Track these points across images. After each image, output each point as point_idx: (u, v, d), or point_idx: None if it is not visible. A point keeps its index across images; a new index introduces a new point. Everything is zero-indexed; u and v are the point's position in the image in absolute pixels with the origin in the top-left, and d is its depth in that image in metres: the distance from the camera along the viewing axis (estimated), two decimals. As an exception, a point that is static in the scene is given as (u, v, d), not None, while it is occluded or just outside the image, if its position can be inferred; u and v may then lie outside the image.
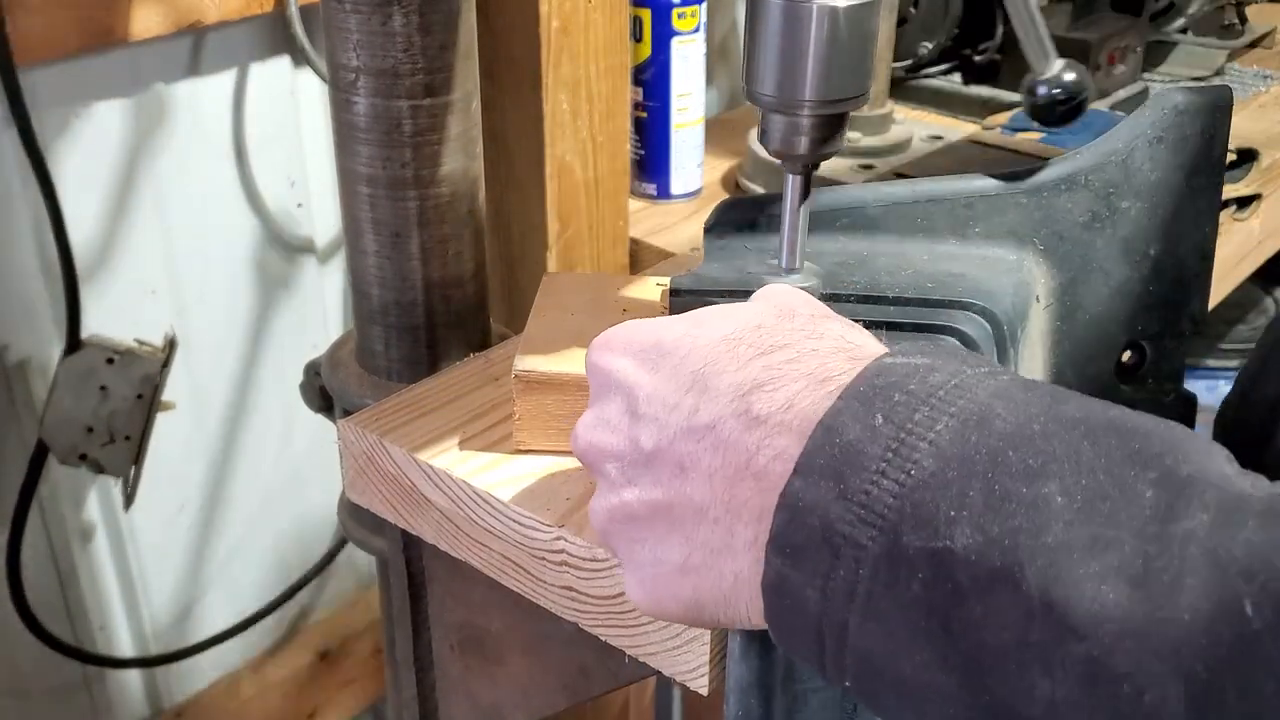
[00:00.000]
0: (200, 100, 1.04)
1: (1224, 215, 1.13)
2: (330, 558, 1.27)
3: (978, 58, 1.47)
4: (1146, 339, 0.65)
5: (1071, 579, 0.33)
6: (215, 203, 1.08)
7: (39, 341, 1.00)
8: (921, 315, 0.59)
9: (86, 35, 0.92)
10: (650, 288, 0.71)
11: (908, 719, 0.38)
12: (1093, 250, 0.62)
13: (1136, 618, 0.32)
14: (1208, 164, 0.62)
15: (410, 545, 0.73)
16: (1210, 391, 1.58)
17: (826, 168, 0.94)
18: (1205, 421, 0.61)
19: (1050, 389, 0.39)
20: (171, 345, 0.99)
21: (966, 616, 0.35)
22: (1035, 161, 0.62)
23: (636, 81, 1.14)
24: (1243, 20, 1.63)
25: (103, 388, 0.97)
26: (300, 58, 1.07)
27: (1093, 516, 0.33)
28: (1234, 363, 1.69)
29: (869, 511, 0.37)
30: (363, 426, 0.65)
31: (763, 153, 0.93)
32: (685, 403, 0.43)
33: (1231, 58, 1.57)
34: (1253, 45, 1.64)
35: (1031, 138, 1.22)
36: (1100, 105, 1.39)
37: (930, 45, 1.45)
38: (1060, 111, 0.67)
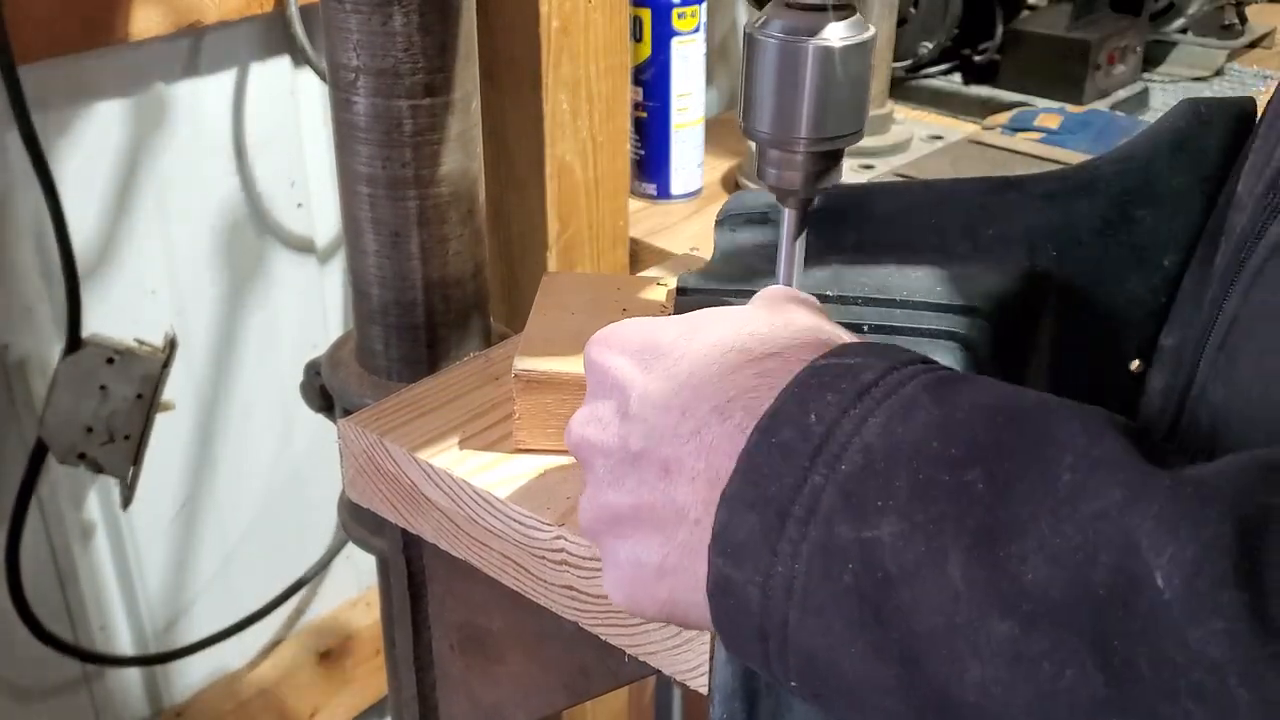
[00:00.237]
0: (200, 100, 1.04)
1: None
2: (330, 558, 1.27)
3: (978, 58, 1.47)
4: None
5: (993, 560, 0.34)
6: (215, 203, 1.08)
7: (39, 341, 1.00)
8: (928, 320, 0.58)
9: (87, 35, 0.92)
10: (651, 287, 0.71)
11: (851, 717, 0.39)
12: (1106, 258, 0.62)
13: (1053, 595, 0.32)
14: (1228, 174, 0.61)
15: (410, 545, 0.73)
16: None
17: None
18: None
19: (978, 380, 0.40)
20: (172, 345, 0.99)
21: (897, 604, 0.35)
22: (1040, 164, 0.62)
23: (636, 81, 1.14)
24: (1243, 20, 1.63)
25: (102, 387, 0.97)
26: (300, 58, 1.07)
27: (1012, 499, 0.34)
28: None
29: (802, 507, 0.38)
30: (363, 426, 0.65)
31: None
32: (674, 406, 0.43)
33: (1231, 58, 1.57)
34: (1253, 45, 1.64)
35: (1031, 138, 1.22)
36: (1100, 105, 1.39)
37: (930, 45, 1.46)
38: None
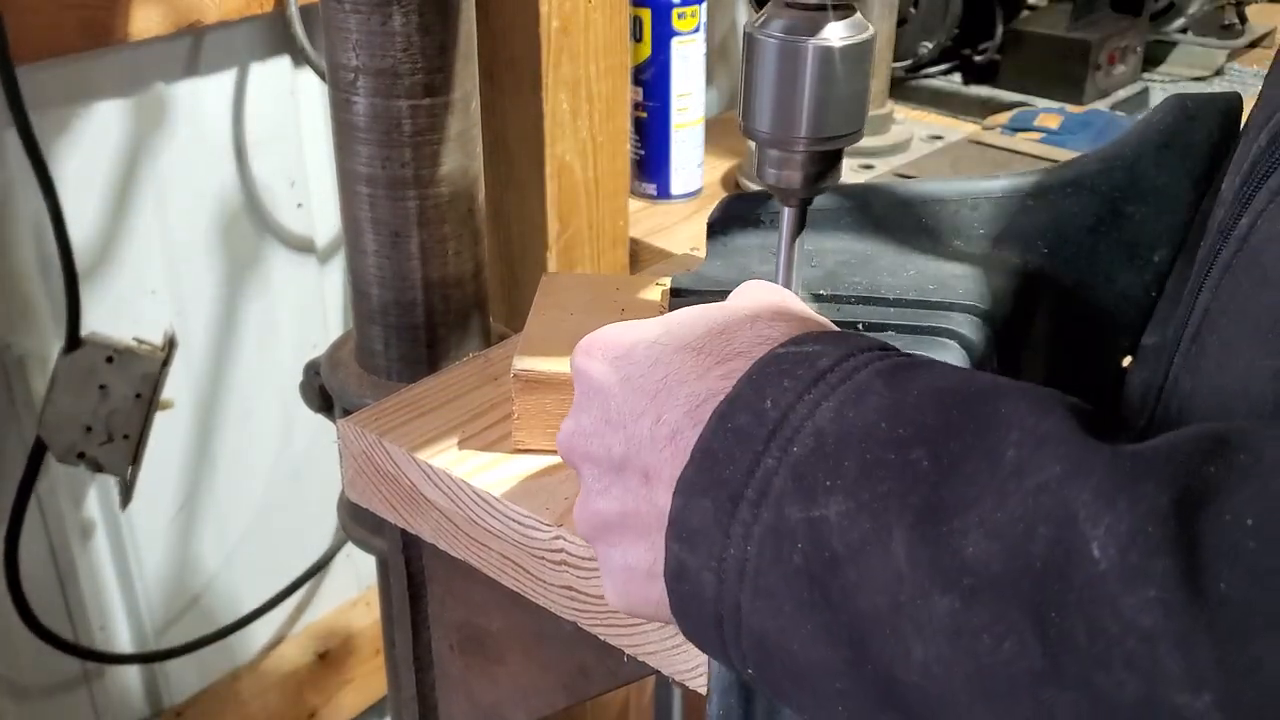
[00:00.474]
0: (200, 100, 1.04)
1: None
2: (330, 558, 1.27)
3: (978, 58, 1.47)
4: (1148, 343, 0.65)
5: (935, 536, 0.34)
6: (215, 203, 1.08)
7: (39, 340, 1.00)
8: (920, 317, 0.59)
9: (87, 35, 0.92)
10: (649, 287, 0.71)
11: (805, 702, 0.39)
12: (1097, 254, 0.62)
13: (993, 569, 0.32)
14: (1216, 170, 0.61)
15: (410, 545, 0.73)
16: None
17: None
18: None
19: (933, 365, 0.40)
20: (171, 344, 0.99)
21: (844, 583, 0.35)
22: (1041, 164, 0.62)
23: (636, 81, 1.14)
24: (1243, 20, 1.63)
25: (102, 386, 0.97)
26: (300, 58, 1.07)
27: (957, 477, 0.34)
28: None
29: (755, 490, 0.38)
30: (362, 426, 0.65)
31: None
32: (650, 411, 0.44)
33: (1231, 58, 1.57)
34: (1253, 45, 1.64)
35: (1031, 138, 1.22)
36: (1100, 105, 1.39)
37: (930, 45, 1.45)
38: None
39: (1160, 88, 1.51)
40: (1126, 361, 0.64)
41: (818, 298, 0.60)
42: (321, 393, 0.86)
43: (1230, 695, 0.28)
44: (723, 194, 1.22)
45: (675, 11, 1.11)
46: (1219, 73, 1.54)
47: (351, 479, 0.68)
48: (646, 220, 1.16)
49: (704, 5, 1.14)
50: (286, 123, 1.11)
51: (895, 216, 0.63)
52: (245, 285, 1.13)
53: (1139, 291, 0.61)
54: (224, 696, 1.26)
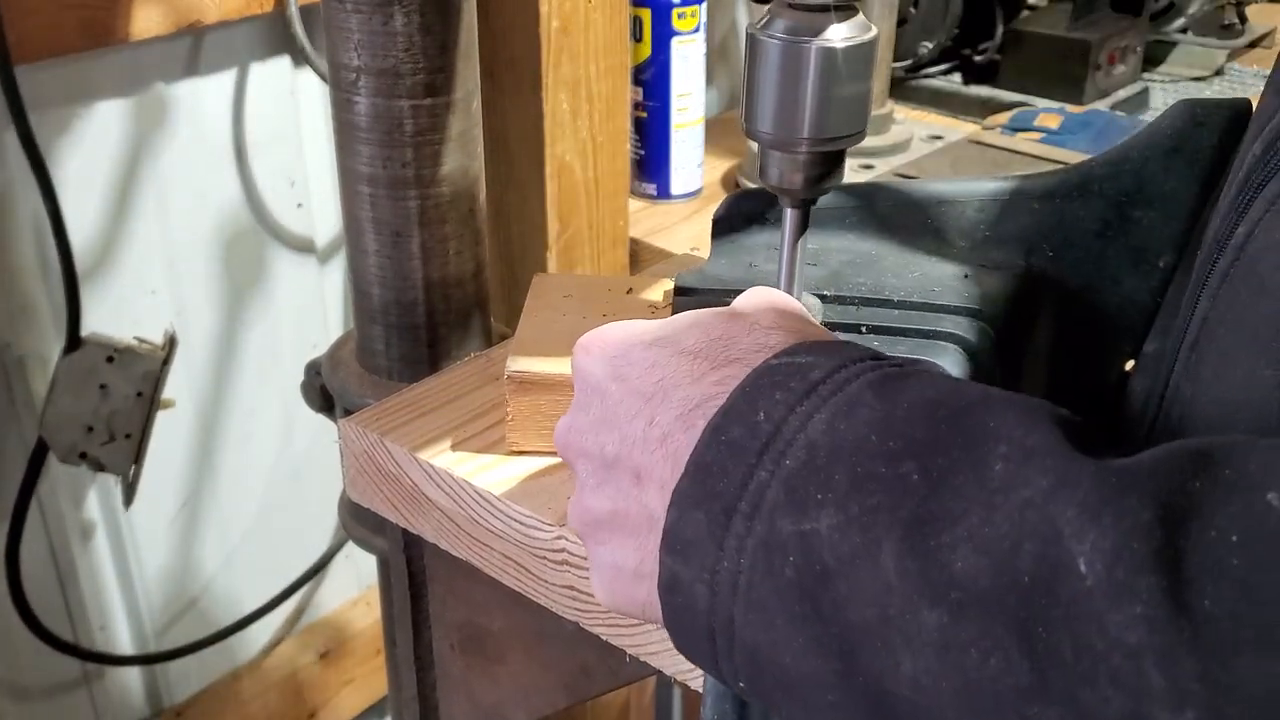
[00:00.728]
0: (200, 100, 1.04)
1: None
2: (330, 557, 1.27)
3: (978, 58, 1.47)
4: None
5: (924, 550, 0.34)
6: (215, 203, 1.08)
7: (39, 340, 1.00)
8: (924, 320, 0.58)
9: (87, 35, 0.92)
10: (640, 287, 0.71)
11: (796, 714, 0.39)
12: (1103, 259, 0.62)
13: (980, 584, 0.32)
14: (1224, 176, 0.61)
15: (411, 544, 0.73)
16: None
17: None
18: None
19: (924, 376, 0.40)
20: (172, 343, 0.99)
21: (835, 596, 0.36)
22: (1041, 164, 0.62)
23: (636, 81, 1.14)
24: (1243, 20, 1.63)
25: (103, 386, 0.97)
26: (300, 58, 1.07)
27: (945, 490, 0.34)
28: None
29: (748, 503, 0.38)
30: (363, 426, 0.65)
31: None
32: (644, 413, 0.44)
33: (1231, 58, 1.57)
34: (1253, 45, 1.64)
35: (1031, 138, 1.22)
36: (1100, 105, 1.39)
37: (930, 45, 1.46)
38: None
39: (1160, 88, 1.51)
40: (1130, 366, 0.64)
41: (821, 299, 0.60)
42: (322, 392, 0.86)
43: (1213, 711, 0.28)
44: (723, 194, 1.22)
45: (675, 11, 1.11)
46: (1219, 73, 1.54)
47: (353, 479, 0.68)
48: (646, 220, 1.16)
49: (704, 5, 1.14)
50: (286, 123, 1.11)
51: (900, 217, 0.63)
52: (245, 285, 1.13)
53: (1144, 296, 0.61)
54: (224, 696, 1.26)
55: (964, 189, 0.63)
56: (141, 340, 0.99)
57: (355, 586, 1.37)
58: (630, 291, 0.70)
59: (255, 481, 1.22)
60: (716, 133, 1.27)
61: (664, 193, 1.19)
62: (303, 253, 1.17)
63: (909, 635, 0.34)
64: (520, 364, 0.61)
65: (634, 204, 1.16)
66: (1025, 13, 1.51)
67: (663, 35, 1.12)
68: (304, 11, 1.03)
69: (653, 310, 0.67)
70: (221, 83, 1.05)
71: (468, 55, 0.74)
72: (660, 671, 0.58)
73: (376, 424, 0.65)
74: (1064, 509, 0.32)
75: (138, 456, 1.00)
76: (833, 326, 0.58)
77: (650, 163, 1.18)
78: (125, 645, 1.17)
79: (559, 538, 0.58)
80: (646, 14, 1.11)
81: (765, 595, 0.37)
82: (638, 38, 1.12)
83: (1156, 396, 0.49)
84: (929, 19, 1.45)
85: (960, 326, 0.58)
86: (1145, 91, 1.46)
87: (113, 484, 1.07)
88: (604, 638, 0.59)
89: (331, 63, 0.73)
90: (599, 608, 0.58)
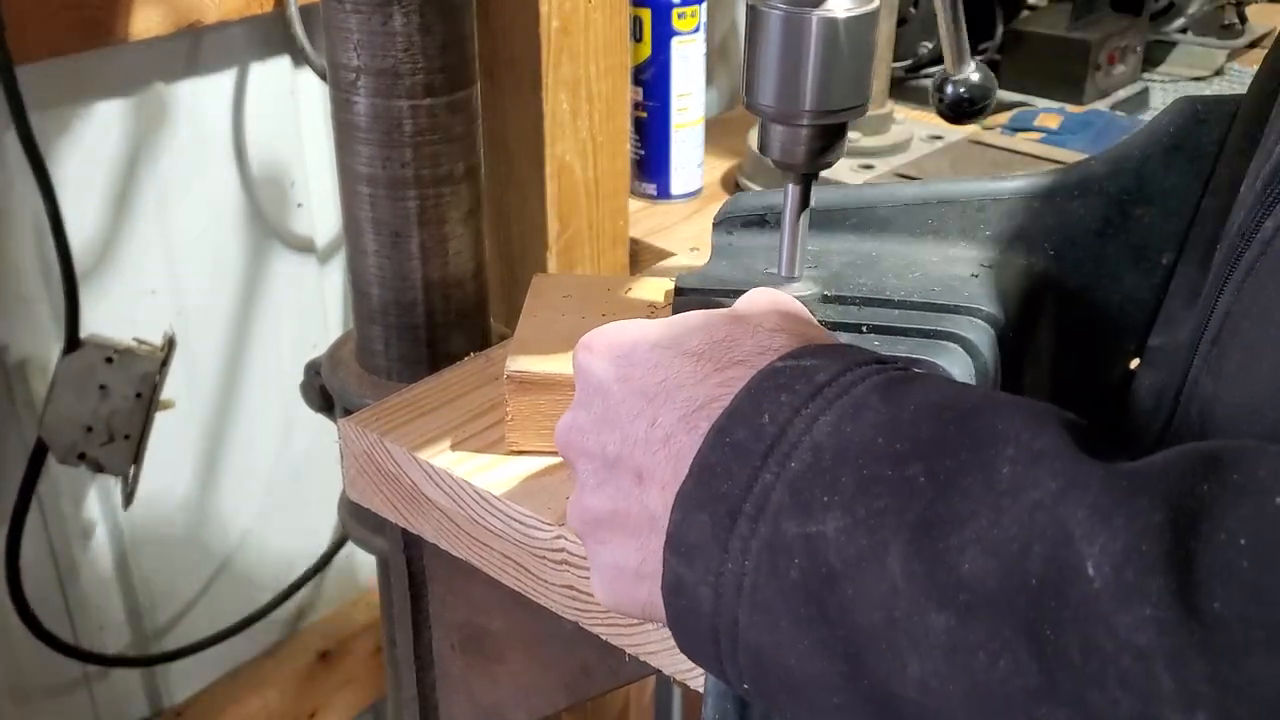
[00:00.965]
0: (200, 100, 1.04)
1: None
2: (330, 557, 1.27)
3: (978, 58, 1.47)
4: (1155, 347, 0.64)
5: (932, 552, 0.34)
6: (215, 203, 1.08)
7: (39, 341, 1.00)
8: (925, 320, 0.58)
9: (87, 35, 0.92)
10: (637, 287, 0.71)
11: (802, 717, 0.39)
12: (1104, 257, 0.62)
13: (989, 586, 0.32)
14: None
15: (411, 544, 0.73)
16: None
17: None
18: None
19: (929, 379, 0.40)
20: (171, 344, 0.99)
21: (840, 599, 0.36)
22: (1041, 164, 0.62)
23: (636, 81, 1.14)
24: (1243, 20, 1.63)
25: (102, 387, 0.97)
26: (300, 58, 1.07)
27: (953, 493, 0.34)
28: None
29: (753, 505, 0.38)
30: (363, 426, 0.65)
31: (763, 152, 0.93)
32: (647, 413, 0.44)
33: (1231, 58, 1.57)
34: (1253, 45, 1.64)
35: (1031, 138, 1.22)
36: (1100, 105, 1.39)
37: (930, 45, 1.45)
38: (966, 110, 0.69)
39: (1160, 88, 1.50)
40: (1134, 364, 0.64)
41: (823, 299, 0.60)
42: (322, 392, 0.87)
43: (1223, 713, 0.28)
44: (723, 194, 1.22)
45: (675, 11, 1.11)
46: (1219, 73, 1.54)
47: (353, 479, 0.68)
48: (646, 220, 1.16)
49: (704, 5, 1.14)
50: (286, 123, 1.11)
51: (900, 217, 0.63)
52: (245, 285, 1.13)
53: (1146, 294, 0.61)
54: (224, 696, 1.25)
55: (964, 189, 0.63)
56: (141, 341, 0.99)
57: (355, 587, 1.37)
58: (630, 291, 0.70)
59: (255, 481, 1.22)
60: (716, 133, 1.27)
61: (664, 193, 1.19)
62: (302, 253, 1.17)
63: (916, 638, 0.34)
64: (520, 364, 0.61)
65: (634, 204, 1.15)
66: (1025, 13, 1.51)
67: (663, 35, 1.12)
68: (304, 11, 1.03)
69: (652, 310, 0.67)
70: (221, 83, 1.05)
71: (467, 55, 0.74)
72: (660, 671, 0.58)
73: (376, 424, 0.65)
74: (1074, 511, 0.32)
75: (137, 457, 1.00)
76: (833, 327, 0.58)
77: (650, 163, 1.18)
78: (125, 645, 1.17)
79: (558, 538, 0.58)
80: (646, 14, 1.11)
81: (770, 597, 0.37)
82: (638, 38, 1.12)
83: (1171, 392, 0.48)
84: (929, 19, 1.45)
85: (961, 326, 0.58)
86: (1145, 91, 1.46)
87: (113, 484, 1.07)
88: (604, 637, 0.59)
89: (331, 63, 0.73)
90: (599, 607, 0.58)
